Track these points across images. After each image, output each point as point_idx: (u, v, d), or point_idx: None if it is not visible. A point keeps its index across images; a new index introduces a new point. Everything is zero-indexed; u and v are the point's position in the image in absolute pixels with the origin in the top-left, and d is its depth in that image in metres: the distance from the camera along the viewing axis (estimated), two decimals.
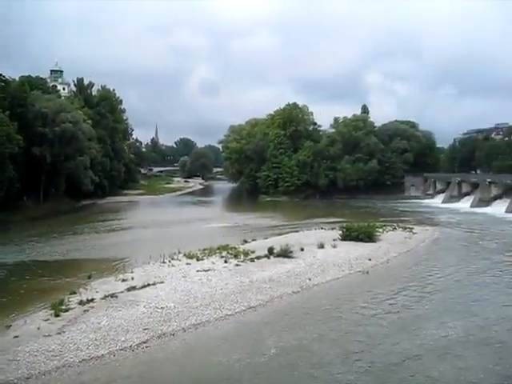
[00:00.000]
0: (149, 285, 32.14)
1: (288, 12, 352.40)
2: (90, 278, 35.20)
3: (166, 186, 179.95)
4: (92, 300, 28.87)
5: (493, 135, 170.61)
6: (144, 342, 23.29)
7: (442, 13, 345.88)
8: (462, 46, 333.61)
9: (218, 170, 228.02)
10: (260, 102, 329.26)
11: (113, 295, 29.75)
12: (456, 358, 21.70)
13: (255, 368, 21.03)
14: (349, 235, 51.87)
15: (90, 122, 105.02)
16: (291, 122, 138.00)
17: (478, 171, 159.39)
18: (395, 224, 66.55)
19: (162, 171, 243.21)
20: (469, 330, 24.83)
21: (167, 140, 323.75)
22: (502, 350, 22.49)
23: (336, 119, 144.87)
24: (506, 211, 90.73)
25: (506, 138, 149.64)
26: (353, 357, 22.01)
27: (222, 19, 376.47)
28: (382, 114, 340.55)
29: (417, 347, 23.00)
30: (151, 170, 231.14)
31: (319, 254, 43.70)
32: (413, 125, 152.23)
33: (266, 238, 53.69)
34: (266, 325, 26.47)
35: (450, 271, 39.19)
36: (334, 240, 50.57)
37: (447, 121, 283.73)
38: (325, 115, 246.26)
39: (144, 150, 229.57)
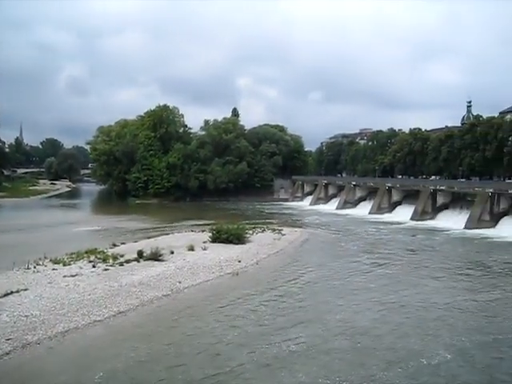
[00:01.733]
0: (12, 292, 30.56)
1: (158, 12, 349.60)
2: None
3: (31, 188, 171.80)
4: None
5: (357, 140, 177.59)
6: (7, 354, 22.08)
7: (312, 21, 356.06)
8: (330, 53, 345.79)
9: (87, 171, 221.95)
10: (130, 102, 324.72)
11: None
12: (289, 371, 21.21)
13: (127, 374, 20.68)
14: (219, 237, 52.18)
15: None
16: (162, 124, 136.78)
17: (344, 174, 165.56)
18: (264, 226, 67.95)
19: (26, 173, 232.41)
20: (312, 341, 24.35)
21: (33, 140, 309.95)
22: (337, 362, 22.22)
23: (206, 122, 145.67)
24: (370, 212, 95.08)
25: (370, 143, 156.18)
26: (202, 362, 22.04)
27: (89, 17, 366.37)
28: (252, 118, 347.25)
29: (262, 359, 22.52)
30: (15, 171, 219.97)
31: (189, 257, 43.56)
32: (282, 129, 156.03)
33: (136, 242, 52.88)
34: (135, 329, 26.01)
35: (315, 274, 39.92)
36: (204, 242, 50.62)
37: (315, 125, 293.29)
38: (195, 117, 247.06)
39: (7, 150, 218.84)
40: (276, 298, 32.31)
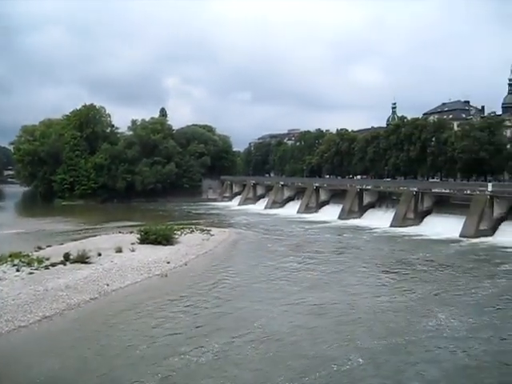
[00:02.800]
0: None
1: (81, 10, 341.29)
2: None
3: None
4: None
5: (285, 140, 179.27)
6: None
7: (240, 21, 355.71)
8: (257, 54, 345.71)
9: (10, 173, 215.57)
10: (56, 101, 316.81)
11: None
12: None
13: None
14: (147, 238, 51.64)
15: None
16: (88, 124, 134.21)
17: (272, 174, 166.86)
18: (193, 226, 67.72)
19: None
20: (224, 350, 23.52)
21: None
22: (245, 374, 21.40)
23: (134, 121, 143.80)
24: (298, 212, 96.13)
25: (298, 143, 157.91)
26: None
27: (10, 14, 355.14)
28: (180, 118, 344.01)
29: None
30: None
31: (117, 259, 42.95)
32: (210, 129, 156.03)
33: (62, 244, 51.66)
34: (61, 335, 25.52)
35: (240, 278, 39.19)
36: (133, 244, 49.98)
37: (243, 125, 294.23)
38: (123, 117, 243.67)
39: None
40: (199, 302, 31.80)
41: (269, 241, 60.85)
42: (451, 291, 35.09)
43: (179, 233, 58.92)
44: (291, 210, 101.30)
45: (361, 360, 22.14)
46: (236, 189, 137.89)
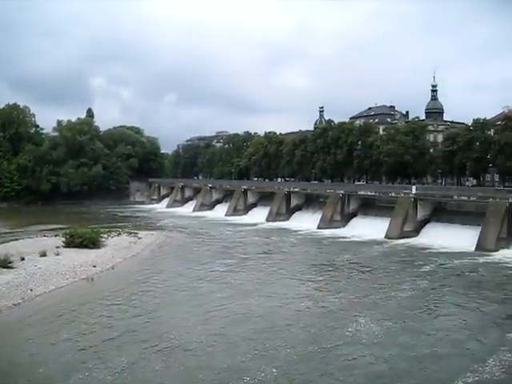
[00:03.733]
0: None
1: (3, 9, 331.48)
2: None
3: None
4: None
5: (214, 142, 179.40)
6: None
7: (169, 22, 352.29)
8: (186, 55, 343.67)
9: None
10: None
11: None
12: None
13: None
14: (73, 242, 50.82)
15: None
16: (11, 124, 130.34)
17: (200, 177, 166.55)
18: (121, 229, 66.84)
19: None
20: (128, 368, 21.92)
21: None
22: None
23: (59, 122, 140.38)
24: (226, 214, 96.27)
25: (226, 146, 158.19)
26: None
27: None
28: (107, 119, 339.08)
29: None
30: None
31: (42, 263, 41.97)
32: (138, 130, 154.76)
33: None
34: None
35: (162, 285, 37.89)
36: (58, 247, 48.98)
37: (172, 127, 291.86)
38: (48, 118, 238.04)
39: None
40: (119, 311, 30.58)
41: (196, 244, 60.62)
42: (373, 294, 35.23)
43: (106, 236, 58.13)
44: (219, 212, 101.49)
45: (274, 371, 21.51)
46: (164, 191, 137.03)
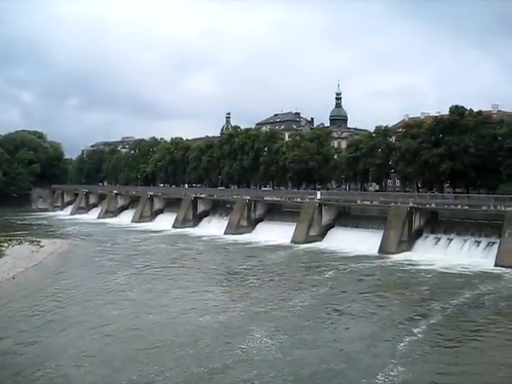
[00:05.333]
0: None
1: None
2: None
3: None
4: None
5: (119, 148, 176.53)
6: None
7: (74, 24, 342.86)
8: (91, 58, 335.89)
9: None
10: None
11: None
12: None
13: None
14: None
15: None
16: None
17: (106, 183, 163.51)
18: (22, 237, 64.71)
19: None
20: None
21: None
22: None
23: None
24: (132, 221, 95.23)
25: (132, 151, 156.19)
26: None
27: None
28: (7, 123, 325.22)
29: None
30: None
31: None
32: (41, 135, 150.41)
33: None
34: None
35: (56, 300, 35.68)
36: None
37: (76, 132, 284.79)
38: None
39: None
40: (7, 330, 28.52)
41: (100, 252, 59.28)
42: (273, 304, 34.80)
43: (6, 245, 56.06)
44: (125, 219, 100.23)
45: None
46: (68, 198, 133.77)
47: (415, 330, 28.71)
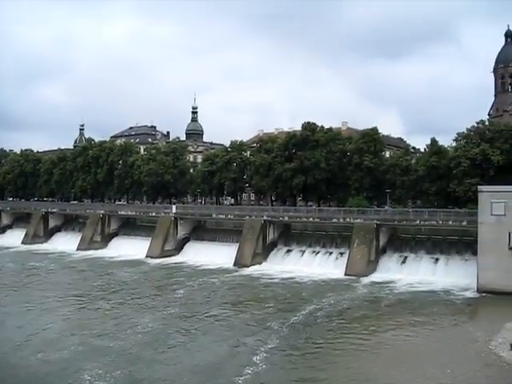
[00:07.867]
0: None
1: None
2: None
3: None
4: None
5: None
6: None
7: None
8: None
9: None
10: None
11: None
12: None
13: None
14: None
15: None
16: None
17: None
18: None
19: None
20: None
21: None
22: None
23: None
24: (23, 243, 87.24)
25: None
26: None
27: None
28: None
29: None
30: None
31: None
32: None
33: None
34: None
35: None
36: None
37: None
38: None
39: None
40: None
41: None
42: (117, 331, 32.36)
43: None
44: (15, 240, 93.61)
45: None
46: None
47: (268, 342, 29.45)
